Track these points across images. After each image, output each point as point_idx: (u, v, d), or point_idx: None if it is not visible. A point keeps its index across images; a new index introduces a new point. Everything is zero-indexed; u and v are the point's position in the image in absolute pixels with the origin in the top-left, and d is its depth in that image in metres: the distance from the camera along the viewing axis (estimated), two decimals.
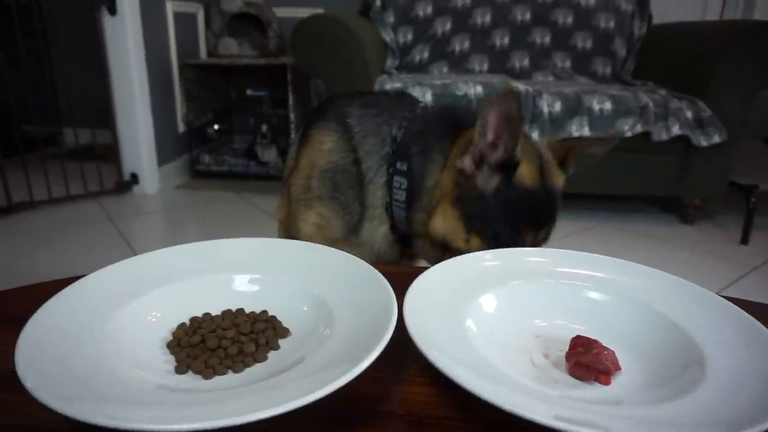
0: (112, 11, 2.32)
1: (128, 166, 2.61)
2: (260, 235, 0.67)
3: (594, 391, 0.49)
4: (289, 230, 1.00)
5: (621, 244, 2.17)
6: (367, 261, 0.94)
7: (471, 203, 0.79)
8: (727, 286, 1.79)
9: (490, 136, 0.75)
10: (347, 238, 0.92)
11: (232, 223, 2.33)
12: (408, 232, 0.89)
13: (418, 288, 0.55)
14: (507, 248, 0.71)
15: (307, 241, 0.93)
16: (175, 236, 2.23)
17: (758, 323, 0.51)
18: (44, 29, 2.79)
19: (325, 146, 0.90)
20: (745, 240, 2.14)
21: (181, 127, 2.90)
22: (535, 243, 0.80)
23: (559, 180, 0.83)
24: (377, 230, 0.92)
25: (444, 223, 0.81)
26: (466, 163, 0.78)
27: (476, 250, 0.74)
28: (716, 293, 0.57)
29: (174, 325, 0.56)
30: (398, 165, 0.85)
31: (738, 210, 2.27)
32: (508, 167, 0.76)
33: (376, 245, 0.94)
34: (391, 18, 2.73)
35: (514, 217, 0.78)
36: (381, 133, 0.88)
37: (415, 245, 0.91)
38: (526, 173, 0.78)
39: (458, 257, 0.64)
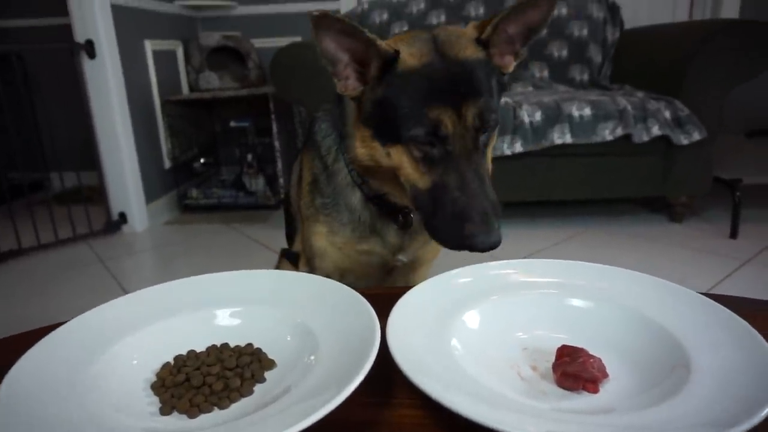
0: (91, 55, 2.34)
1: (116, 206, 2.60)
2: (253, 265, 0.67)
3: (583, 400, 0.48)
4: (305, 253, 0.99)
5: (612, 247, 2.17)
6: (388, 252, 0.93)
7: (372, 117, 0.74)
8: (720, 281, 1.80)
9: (342, 58, 0.71)
10: (359, 235, 0.91)
11: (223, 255, 2.31)
12: (372, 192, 0.87)
13: (400, 310, 0.55)
14: (436, 153, 0.68)
15: (321, 256, 0.94)
16: (167, 273, 2.21)
17: (744, 322, 0.51)
18: (25, 77, 2.80)
19: (307, 162, 0.95)
20: (734, 234, 2.15)
21: (167, 163, 2.90)
22: (466, 128, 0.68)
23: (467, 51, 0.72)
24: (364, 210, 0.89)
25: (362, 145, 0.77)
26: (349, 87, 0.74)
27: (405, 164, 0.71)
28: (710, 289, 0.58)
29: (158, 365, 0.55)
30: (336, 134, 0.88)
31: (725, 205, 2.28)
32: (388, 64, 0.71)
33: (385, 229, 0.91)
34: None
35: (413, 103, 0.69)
36: (329, 119, 0.91)
37: (383, 194, 0.86)
38: (407, 56, 0.71)
39: (438, 276, 0.64)
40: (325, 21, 0.65)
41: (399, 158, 0.72)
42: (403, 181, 0.75)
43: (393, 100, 0.71)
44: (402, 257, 0.96)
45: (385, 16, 2.77)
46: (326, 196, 0.90)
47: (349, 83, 0.74)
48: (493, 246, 0.64)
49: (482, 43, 0.73)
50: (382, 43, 0.70)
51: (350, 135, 0.82)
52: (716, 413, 0.41)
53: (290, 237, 1.20)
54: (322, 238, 0.93)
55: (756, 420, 0.38)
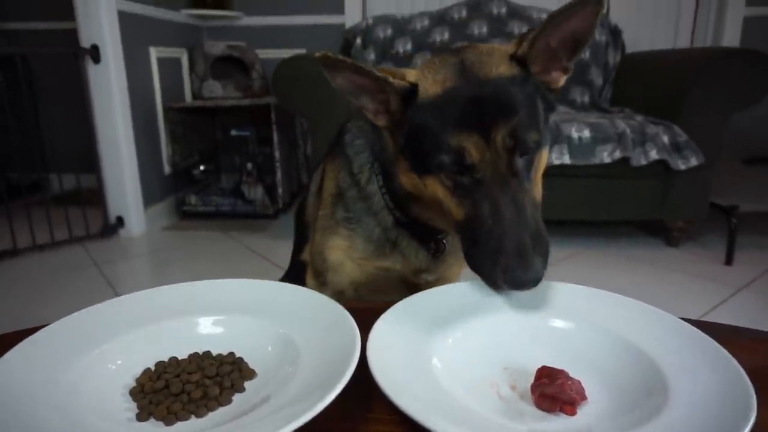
0: (96, 59, 2.36)
1: (114, 210, 2.60)
2: (249, 275, 0.67)
3: (561, 422, 0.48)
4: (315, 266, 0.95)
5: (608, 269, 2.17)
6: (410, 271, 0.89)
7: (405, 148, 0.71)
8: (714, 307, 1.79)
9: (359, 93, 0.69)
10: (379, 253, 0.88)
11: (220, 263, 2.31)
12: (405, 218, 0.84)
13: (382, 325, 0.55)
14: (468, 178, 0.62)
15: (335, 270, 0.90)
16: (162, 279, 2.21)
17: (723, 350, 0.51)
18: (30, 79, 2.82)
19: (332, 172, 0.91)
20: (729, 260, 2.16)
21: (167, 169, 2.91)
22: (497, 152, 0.62)
23: (499, 69, 0.66)
24: (392, 230, 0.86)
25: (404, 176, 0.74)
26: (378, 119, 0.72)
27: (440, 195, 0.67)
28: (703, 315, 0.58)
29: (139, 371, 0.55)
30: (369, 152, 0.86)
31: (721, 231, 2.29)
32: (409, 97, 0.68)
33: (411, 250, 0.88)
34: (371, 55, 2.79)
35: (436, 132, 0.65)
36: (363, 137, 0.88)
37: (416, 219, 0.83)
38: (430, 84, 0.67)
39: (422, 293, 0.64)
40: (329, 60, 0.64)
41: (434, 189, 0.68)
42: (445, 210, 0.70)
43: (419, 131, 0.67)
44: (427, 276, 0.92)
45: (390, 31, 2.80)
46: (351, 210, 0.87)
47: (378, 115, 0.72)
48: (531, 283, 0.58)
49: (518, 59, 0.67)
50: (395, 80, 0.67)
51: (391, 163, 0.80)
52: None
53: (299, 247, 1.15)
54: (339, 251, 0.89)
55: None
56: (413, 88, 0.67)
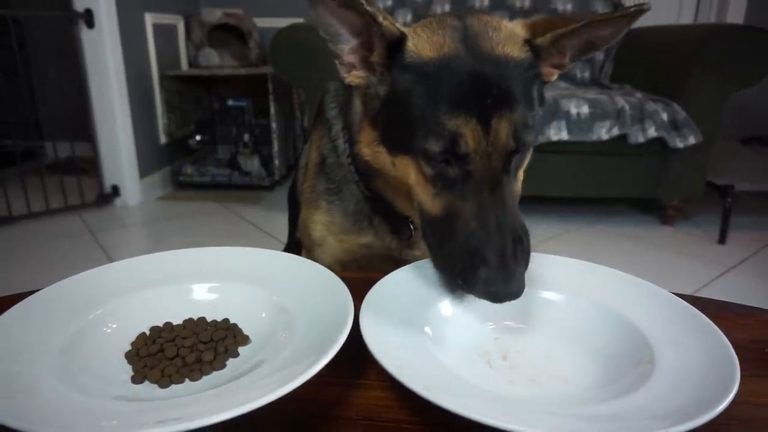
0: (90, 24, 2.32)
1: (109, 179, 2.59)
2: (243, 245, 0.67)
3: (548, 391, 0.49)
4: (304, 242, 0.91)
5: (602, 246, 2.19)
6: (396, 248, 0.83)
7: (379, 116, 0.62)
8: (705, 285, 1.81)
9: (341, 33, 0.59)
10: (358, 228, 0.82)
11: (215, 234, 2.32)
12: (368, 192, 0.77)
13: (376, 294, 0.56)
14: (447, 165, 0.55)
15: (320, 246, 0.86)
16: (157, 248, 2.19)
17: (710, 322, 0.52)
18: (22, 43, 2.77)
19: (317, 140, 0.85)
20: (722, 240, 2.17)
21: (163, 139, 2.89)
22: (495, 146, 0.55)
23: (506, 47, 0.58)
24: (363, 208, 0.80)
25: (369, 150, 0.66)
26: (352, 73, 0.63)
27: (412, 180, 0.60)
28: (693, 293, 0.58)
29: (133, 336, 0.56)
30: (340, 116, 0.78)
31: (716, 210, 2.30)
32: (396, 50, 0.59)
33: (383, 228, 0.82)
34: None
35: (426, 106, 0.56)
36: (338, 101, 0.82)
37: (385, 196, 0.76)
38: (421, 45, 0.58)
39: (417, 263, 0.64)
40: None
41: (406, 171, 0.60)
42: (413, 197, 0.63)
43: (402, 99, 0.58)
44: (416, 252, 0.86)
45: (390, 2, 2.75)
46: (332, 181, 0.81)
47: (353, 71, 0.63)
48: (512, 296, 0.52)
49: (531, 46, 0.60)
50: (386, 21, 0.57)
51: (356, 129, 0.71)
52: (676, 407, 0.42)
53: (293, 225, 1.09)
54: (321, 226, 0.85)
55: (712, 415, 0.39)
56: (402, 37, 0.58)
